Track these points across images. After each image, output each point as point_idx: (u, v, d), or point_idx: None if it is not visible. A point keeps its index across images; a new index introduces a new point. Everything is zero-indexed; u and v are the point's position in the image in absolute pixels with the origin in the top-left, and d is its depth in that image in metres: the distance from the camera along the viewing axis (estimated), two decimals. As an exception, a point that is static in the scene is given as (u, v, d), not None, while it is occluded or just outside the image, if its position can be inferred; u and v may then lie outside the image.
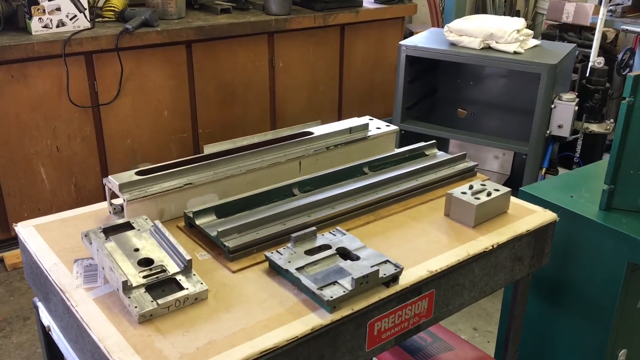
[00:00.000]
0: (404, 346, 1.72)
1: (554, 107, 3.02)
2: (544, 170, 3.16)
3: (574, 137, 3.17)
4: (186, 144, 3.78)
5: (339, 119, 4.46)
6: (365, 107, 4.58)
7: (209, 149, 3.52)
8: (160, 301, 1.15)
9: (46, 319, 1.43)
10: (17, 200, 3.30)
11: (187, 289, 1.20)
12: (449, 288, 1.36)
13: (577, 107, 3.02)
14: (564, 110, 3.02)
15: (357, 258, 1.29)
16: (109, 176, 1.48)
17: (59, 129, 3.32)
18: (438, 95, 3.77)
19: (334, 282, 1.21)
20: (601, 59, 3.23)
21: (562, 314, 1.87)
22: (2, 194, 3.25)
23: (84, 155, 3.44)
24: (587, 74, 3.30)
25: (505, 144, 3.26)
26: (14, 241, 3.38)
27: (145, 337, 1.10)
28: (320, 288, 1.19)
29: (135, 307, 1.14)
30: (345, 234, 1.37)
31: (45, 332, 1.45)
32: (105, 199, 1.52)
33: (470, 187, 1.54)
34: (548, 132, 3.07)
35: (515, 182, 3.57)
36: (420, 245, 1.41)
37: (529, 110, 3.21)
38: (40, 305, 1.46)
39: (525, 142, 3.13)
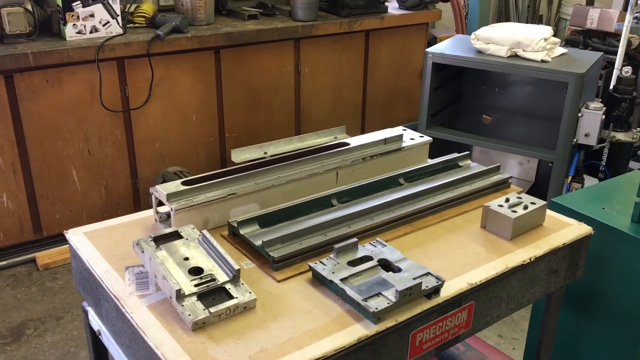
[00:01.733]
0: (440, 355, 1.76)
1: (581, 116, 3.04)
2: (569, 178, 3.18)
3: (600, 145, 3.18)
4: (213, 147, 3.84)
5: (363, 124, 4.51)
6: (388, 113, 4.61)
7: (236, 154, 3.58)
8: (212, 309, 1.20)
9: (96, 323, 1.48)
10: (50, 202, 3.38)
11: (236, 297, 1.24)
12: (487, 300, 1.39)
13: (604, 116, 3.04)
14: (591, 119, 3.03)
15: (399, 270, 1.33)
16: (156, 186, 1.53)
17: (91, 133, 3.40)
18: (463, 101, 3.80)
19: (378, 294, 1.25)
20: (629, 68, 3.24)
21: (593, 325, 1.90)
22: (35, 196, 3.33)
23: (114, 158, 3.51)
24: (614, 83, 3.31)
25: (531, 151, 3.27)
26: (46, 242, 3.46)
27: (199, 345, 1.15)
28: (365, 299, 1.23)
29: (189, 315, 1.19)
30: (385, 245, 1.41)
31: (94, 336, 1.50)
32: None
33: (507, 200, 1.57)
34: (575, 140, 3.08)
35: (539, 189, 3.58)
36: (459, 258, 1.44)
37: (554, 117, 3.23)
38: (89, 310, 1.51)
39: (551, 150, 3.15)
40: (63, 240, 3.46)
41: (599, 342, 1.89)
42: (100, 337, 1.48)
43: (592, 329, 1.90)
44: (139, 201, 3.65)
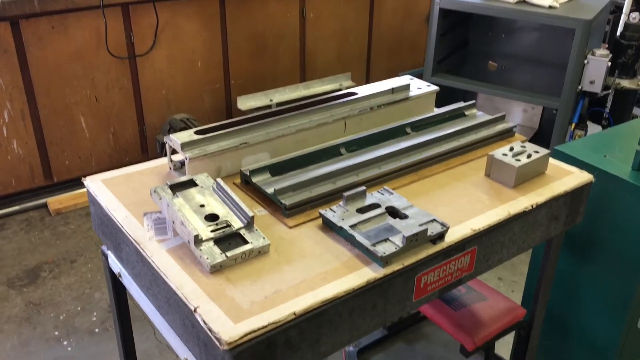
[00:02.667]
0: (442, 296, 1.84)
1: (587, 63, 3.04)
2: (573, 125, 3.21)
3: (604, 92, 3.19)
4: (218, 94, 3.86)
5: (368, 70, 4.50)
6: (393, 59, 4.60)
7: (242, 101, 3.61)
8: (228, 253, 1.26)
9: (116, 266, 1.55)
10: (59, 148, 3.44)
11: (251, 242, 1.30)
12: (489, 245, 1.45)
13: (609, 63, 3.04)
14: (597, 66, 3.04)
15: (406, 217, 1.39)
16: (170, 135, 1.57)
17: (98, 80, 3.41)
18: (469, 48, 3.78)
19: (386, 239, 1.31)
20: (636, 14, 3.21)
21: (590, 269, 1.97)
22: (44, 142, 3.39)
23: (121, 105, 3.54)
24: (622, 30, 3.29)
25: (535, 98, 3.29)
26: (56, 187, 3.53)
27: (217, 286, 1.22)
28: (374, 244, 1.29)
29: (207, 258, 1.25)
30: (392, 193, 1.47)
31: (115, 278, 1.58)
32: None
33: (511, 149, 1.62)
34: (579, 87, 3.10)
35: (543, 136, 3.62)
36: (463, 205, 1.50)
37: (560, 64, 3.23)
38: (109, 253, 1.58)
39: (556, 97, 3.17)
40: (73, 186, 3.53)
41: (596, 283, 1.97)
42: (120, 279, 1.56)
43: (590, 272, 1.98)
44: (146, 148, 3.70)
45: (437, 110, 1.90)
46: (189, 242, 1.31)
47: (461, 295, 1.87)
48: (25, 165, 3.38)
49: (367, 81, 4.53)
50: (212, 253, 1.27)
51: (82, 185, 3.55)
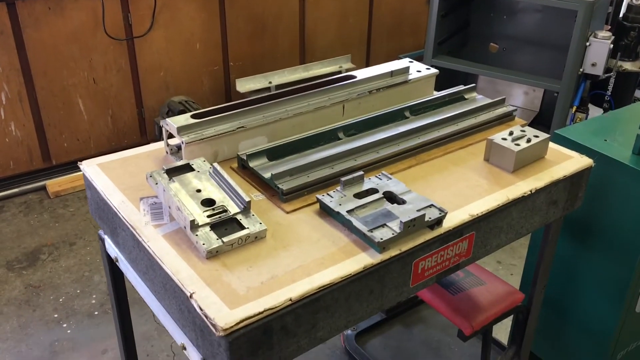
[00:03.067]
0: (440, 281, 1.84)
1: (589, 45, 3.01)
2: (574, 108, 3.18)
3: (606, 75, 3.16)
4: (217, 76, 3.84)
5: (368, 52, 4.46)
6: (394, 40, 4.56)
7: (240, 83, 3.58)
8: (225, 239, 1.26)
9: (113, 251, 1.55)
10: (57, 130, 3.42)
11: (247, 228, 1.30)
12: (487, 230, 1.45)
13: (612, 45, 3.01)
14: (599, 48, 3.01)
15: (403, 202, 1.38)
16: (167, 119, 1.56)
17: (95, 61, 3.39)
18: (470, 29, 3.74)
19: (383, 225, 1.30)
20: (640, -5, 3.17)
21: (589, 253, 1.97)
22: (42, 125, 3.37)
23: (119, 87, 3.52)
24: (625, 11, 3.25)
25: (537, 81, 3.26)
26: (55, 170, 3.52)
27: (213, 272, 1.21)
28: (371, 230, 1.28)
29: (203, 244, 1.25)
30: (390, 178, 1.46)
31: (112, 262, 1.58)
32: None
33: (511, 133, 1.60)
34: (581, 70, 3.07)
35: (544, 118, 3.60)
36: (462, 190, 1.49)
37: (562, 46, 3.20)
38: (106, 238, 1.58)
39: (557, 80, 3.14)
40: (72, 169, 3.52)
41: (594, 267, 1.97)
42: (117, 263, 1.56)
43: (588, 257, 1.97)
44: (145, 130, 3.69)
45: (437, 94, 1.88)
46: (185, 227, 1.30)
47: (459, 280, 1.87)
48: (23, 147, 3.36)
49: (368, 63, 4.49)
50: (209, 238, 1.26)
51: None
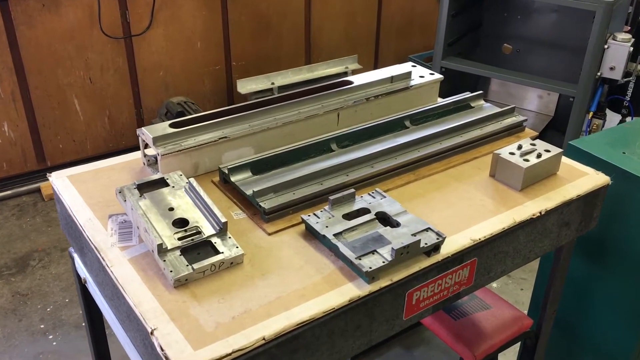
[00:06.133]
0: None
1: (607, 48, 2.85)
2: (591, 114, 3.03)
3: (625, 79, 3.00)
4: (219, 76, 3.71)
5: (376, 52, 4.32)
6: (403, 40, 4.41)
7: (242, 84, 3.45)
8: (195, 266, 1.13)
9: (82, 271, 1.43)
10: (52, 131, 3.32)
11: (222, 252, 1.17)
12: (491, 256, 1.31)
13: (632, 48, 2.84)
14: (618, 51, 2.84)
15: (397, 224, 1.24)
16: (143, 128, 1.44)
17: (92, 60, 3.28)
18: (482, 29, 3.59)
19: (373, 251, 1.16)
20: (663, -5, 3.00)
21: (603, 273, 1.82)
22: (37, 125, 3.27)
23: (117, 87, 3.41)
24: (646, 12, 3.08)
25: (551, 85, 3.10)
26: (50, 171, 3.40)
27: (180, 303, 1.08)
28: (359, 257, 1.15)
29: (171, 271, 1.12)
30: (385, 197, 1.32)
31: (82, 285, 1.46)
32: (137, 129, 1.48)
33: (519, 147, 1.46)
34: (599, 73, 2.91)
35: (559, 123, 3.44)
36: (464, 210, 1.35)
37: (579, 48, 3.04)
38: (76, 256, 1.46)
39: (573, 84, 2.98)
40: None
41: (608, 291, 1.82)
42: (86, 285, 1.44)
43: (603, 277, 1.82)
44: (143, 131, 3.57)
45: (441, 101, 1.74)
46: (152, 251, 1.17)
47: (462, 303, 1.73)
48: (17, 148, 3.26)
49: (375, 64, 4.35)
50: (177, 265, 1.13)
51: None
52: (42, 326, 2.51)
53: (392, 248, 1.14)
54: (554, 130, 3.43)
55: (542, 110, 3.62)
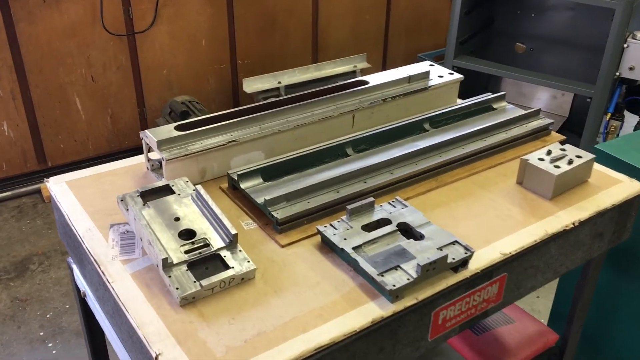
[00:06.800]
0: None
1: (627, 47, 2.75)
2: (609, 115, 2.92)
3: (645, 80, 2.89)
4: (224, 75, 3.62)
5: (385, 50, 4.22)
6: (413, 39, 4.31)
7: (247, 83, 3.35)
8: (203, 282, 1.04)
9: (81, 284, 1.34)
10: (53, 130, 3.23)
11: (232, 267, 1.08)
12: (521, 271, 1.21)
13: (652, 47, 2.74)
14: (638, 51, 2.74)
15: (421, 236, 1.15)
16: (146, 130, 1.34)
17: (94, 58, 3.19)
18: (495, 27, 3.49)
19: (396, 267, 1.07)
20: (684, -7, 2.89)
21: (632, 284, 1.72)
22: (37, 125, 3.18)
23: (119, 85, 3.32)
24: (666, 9, 2.97)
25: (567, 85, 3.00)
26: (51, 172, 3.32)
27: (187, 324, 0.99)
28: (381, 273, 1.05)
29: (177, 288, 1.03)
30: (406, 206, 1.23)
31: (81, 298, 1.37)
32: (140, 131, 1.39)
33: (549, 153, 1.36)
34: (617, 73, 2.81)
35: (574, 124, 3.33)
36: (490, 220, 1.25)
37: (596, 47, 2.94)
38: (74, 267, 1.37)
39: (591, 84, 2.88)
40: (68, 170, 3.31)
41: (637, 302, 1.72)
42: (86, 299, 1.35)
43: (632, 290, 1.73)
44: (146, 131, 3.48)
45: (461, 103, 1.64)
46: (157, 265, 1.08)
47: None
48: (17, 148, 3.18)
49: (384, 63, 4.25)
50: (183, 281, 1.04)
51: (78, 170, 3.35)
52: (41, 333, 2.43)
53: (418, 264, 1.05)
54: (568, 131, 3.33)
55: (556, 111, 3.52)
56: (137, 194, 1.20)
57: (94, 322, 1.41)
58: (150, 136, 1.32)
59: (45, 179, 3.18)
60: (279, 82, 3.36)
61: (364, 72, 3.59)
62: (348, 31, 3.98)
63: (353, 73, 3.55)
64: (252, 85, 3.31)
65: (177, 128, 1.35)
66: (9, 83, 3.01)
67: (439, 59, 3.80)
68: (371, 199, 1.22)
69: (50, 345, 2.37)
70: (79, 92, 3.22)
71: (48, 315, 2.51)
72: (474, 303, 1.16)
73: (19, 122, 3.12)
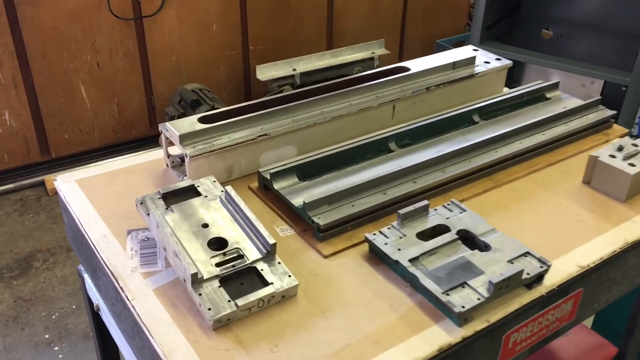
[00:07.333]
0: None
1: (667, 32, 2.58)
2: (645, 105, 2.76)
3: (684, 67, 2.73)
4: (235, 62, 3.46)
5: (402, 36, 4.05)
6: (430, 23, 4.13)
7: (261, 70, 3.19)
8: (240, 302, 0.89)
9: (94, 295, 1.19)
10: (57, 120, 3.07)
11: (272, 283, 0.93)
12: (598, 284, 1.06)
13: (694, 33, 2.57)
14: (679, 36, 2.58)
15: (486, 247, 1.00)
16: (167, 123, 1.19)
17: (99, 43, 3.02)
18: (521, 11, 3.31)
19: (463, 284, 0.92)
20: None
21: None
22: (40, 113, 3.02)
23: (126, 72, 3.16)
24: None
25: (600, 72, 2.84)
26: (55, 164, 3.18)
27: (223, 352, 0.85)
28: (446, 292, 0.90)
29: (209, 309, 0.88)
30: (465, 210, 1.07)
31: (94, 311, 1.22)
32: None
33: (620, 149, 1.21)
34: (656, 61, 2.64)
35: (603, 115, 3.17)
36: (560, 227, 1.10)
37: (630, 33, 2.77)
38: (86, 277, 1.22)
39: (626, 72, 2.71)
40: (73, 162, 3.18)
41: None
42: (99, 313, 1.20)
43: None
44: (154, 120, 3.33)
45: (509, 92, 1.48)
46: (184, 280, 0.93)
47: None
48: (19, 138, 3.02)
49: (401, 49, 4.08)
50: (216, 300, 0.89)
51: (83, 162, 3.20)
52: (46, 336, 2.29)
53: (490, 281, 0.90)
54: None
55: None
56: (159, 196, 1.05)
57: (108, 337, 1.26)
58: (171, 129, 1.17)
59: (52, 175, 3.02)
60: (294, 69, 3.21)
61: (383, 58, 3.43)
62: (364, 16, 3.81)
63: (371, 60, 3.39)
64: (265, 72, 3.15)
65: (201, 120, 1.20)
66: (10, 69, 2.86)
67: (457, 46, 3.63)
68: (425, 202, 1.07)
69: (56, 349, 2.24)
70: (83, 80, 3.06)
71: (53, 317, 2.37)
72: (547, 323, 1.01)
73: (20, 111, 2.97)
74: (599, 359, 1.43)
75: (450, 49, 1.59)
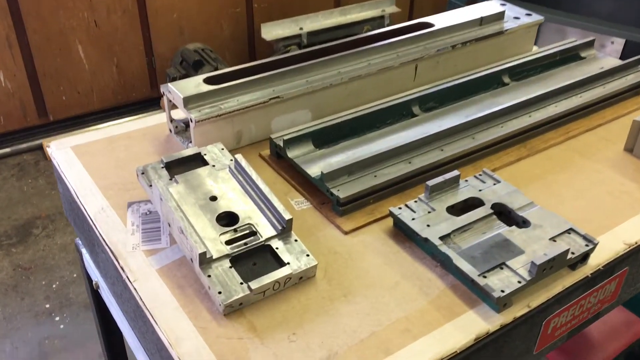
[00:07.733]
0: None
1: (697, -12, 2.43)
2: (669, 66, 2.63)
3: None
4: (239, 20, 3.31)
5: (412, -7, 3.88)
6: (442, -20, 3.95)
7: (266, 29, 3.05)
8: (253, 285, 0.80)
9: (93, 272, 1.11)
10: (54, 81, 2.95)
11: (288, 263, 0.83)
12: (643, 263, 0.97)
13: None
14: None
15: (525, 222, 0.90)
16: (169, 84, 1.08)
17: (97, 1, 2.88)
18: (538, -33, 3.14)
19: (501, 265, 0.83)
20: None
21: None
22: (36, 75, 2.90)
23: (125, 31, 3.02)
24: None
25: (622, 30, 2.70)
26: (53, 127, 3.08)
27: (235, 342, 0.76)
28: (483, 274, 0.81)
29: (219, 292, 0.79)
30: (499, 181, 0.97)
31: (93, 289, 1.13)
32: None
33: (667, 114, 1.10)
34: (683, 19, 2.50)
35: (623, 77, 3.04)
36: (603, 199, 1.00)
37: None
38: (84, 251, 1.13)
39: (651, 31, 2.57)
40: (72, 125, 3.07)
41: None
42: (99, 291, 1.11)
43: None
44: (155, 82, 3.21)
45: (540, 50, 1.37)
46: (191, 260, 0.84)
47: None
48: (15, 101, 2.91)
49: (411, 7, 3.92)
50: (227, 283, 0.80)
51: (82, 125, 3.09)
52: (47, 306, 2.22)
53: (533, 262, 0.80)
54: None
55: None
56: (162, 165, 0.95)
57: (110, 316, 1.18)
58: (174, 91, 1.06)
59: (50, 139, 2.92)
60: (301, 28, 3.07)
61: (393, 16, 3.28)
62: (373, -28, 3.63)
63: (381, 18, 3.25)
64: (271, 31, 3.01)
65: (207, 81, 1.09)
66: (4, 28, 2.72)
67: (470, 3, 3.47)
68: (456, 172, 0.97)
69: (57, 319, 2.17)
70: (81, 39, 2.92)
71: (54, 286, 2.30)
72: (588, 305, 0.92)
73: (16, 72, 2.84)
74: (629, 336, 1.35)
75: (461, 6, 1.47)
